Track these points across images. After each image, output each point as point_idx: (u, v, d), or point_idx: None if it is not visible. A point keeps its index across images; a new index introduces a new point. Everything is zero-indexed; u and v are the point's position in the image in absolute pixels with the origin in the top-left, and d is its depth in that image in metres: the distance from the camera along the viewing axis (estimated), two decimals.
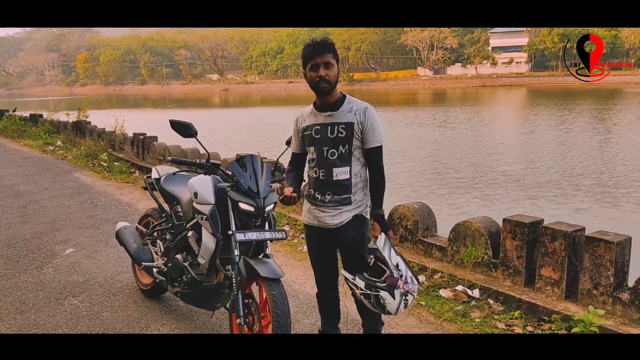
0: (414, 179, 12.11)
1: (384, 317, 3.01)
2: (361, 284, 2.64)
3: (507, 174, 12.51)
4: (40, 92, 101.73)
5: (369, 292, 2.60)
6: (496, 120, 27.23)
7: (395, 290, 2.57)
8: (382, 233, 2.70)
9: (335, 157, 2.70)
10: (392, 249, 2.66)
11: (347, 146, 2.69)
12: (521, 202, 9.70)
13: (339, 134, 2.68)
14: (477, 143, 18.25)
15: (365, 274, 2.68)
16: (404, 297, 2.58)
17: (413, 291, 2.62)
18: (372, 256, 2.68)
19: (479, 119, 27.21)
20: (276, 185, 3.15)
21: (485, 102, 42.68)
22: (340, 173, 2.71)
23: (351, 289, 2.74)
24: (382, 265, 2.62)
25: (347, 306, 3.36)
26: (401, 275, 2.60)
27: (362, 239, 2.84)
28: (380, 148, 2.74)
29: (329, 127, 2.69)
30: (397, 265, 2.62)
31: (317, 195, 2.79)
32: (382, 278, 2.60)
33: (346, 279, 2.74)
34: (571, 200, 9.99)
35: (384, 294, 2.57)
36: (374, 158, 2.75)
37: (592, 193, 10.49)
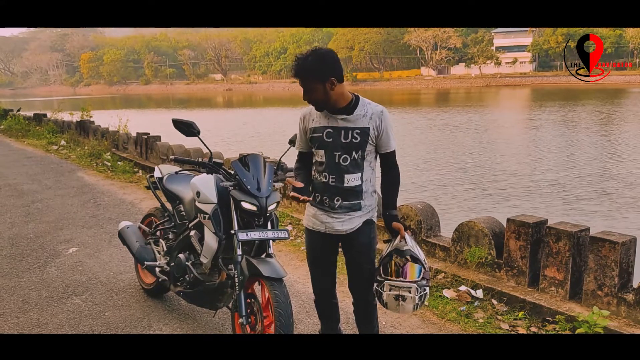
0: (447, 190, 11.26)
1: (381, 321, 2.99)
2: (402, 285, 2.56)
3: (551, 183, 11.69)
4: (44, 92, 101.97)
5: (422, 290, 2.54)
6: (521, 123, 26.37)
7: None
8: (407, 232, 2.65)
9: (347, 163, 2.58)
10: (416, 245, 2.66)
11: (360, 152, 2.58)
12: (570, 218, 8.37)
13: (353, 140, 2.55)
14: (510, 148, 17.44)
15: (386, 276, 2.61)
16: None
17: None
18: (407, 257, 2.59)
19: (503, 121, 26.59)
20: (279, 184, 3.14)
21: (498, 103, 41.87)
22: (351, 179, 2.60)
23: (379, 293, 2.64)
24: (416, 263, 2.58)
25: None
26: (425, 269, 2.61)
27: (372, 244, 2.77)
28: (395, 151, 2.68)
29: (343, 132, 2.56)
30: (424, 260, 2.62)
31: (325, 200, 2.66)
32: (421, 276, 2.56)
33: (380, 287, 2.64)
34: (624, 213, 9.24)
35: (427, 290, 2.58)
36: (389, 160, 2.69)
37: None
